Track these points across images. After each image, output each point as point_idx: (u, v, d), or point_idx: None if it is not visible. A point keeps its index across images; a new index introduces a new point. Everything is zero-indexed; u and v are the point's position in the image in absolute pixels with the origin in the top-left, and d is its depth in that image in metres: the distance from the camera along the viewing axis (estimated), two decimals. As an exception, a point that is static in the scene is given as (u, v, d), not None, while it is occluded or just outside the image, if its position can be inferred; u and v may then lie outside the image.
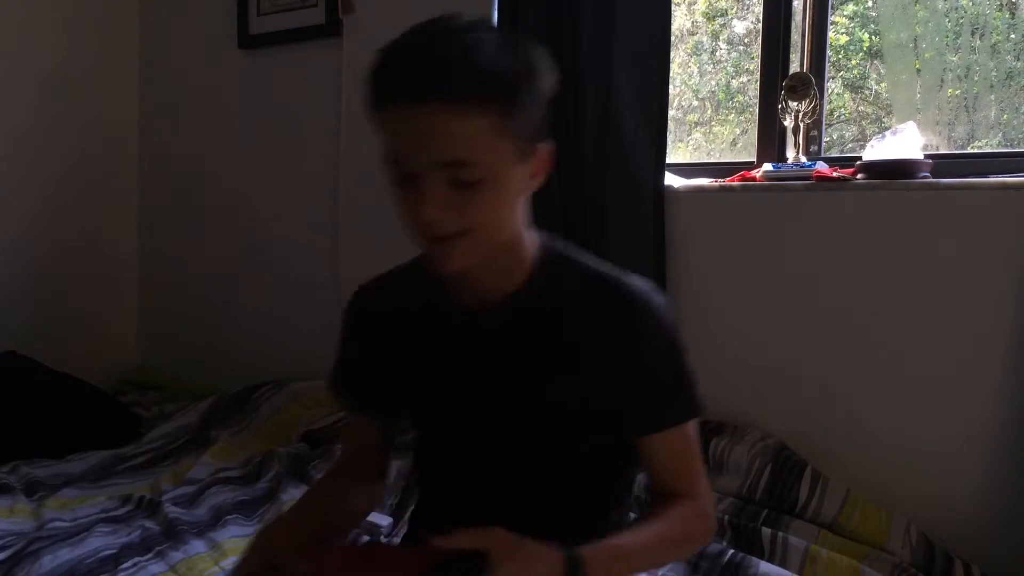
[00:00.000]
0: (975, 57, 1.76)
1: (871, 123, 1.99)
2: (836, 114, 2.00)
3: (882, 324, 1.61)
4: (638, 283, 0.92)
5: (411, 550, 0.83)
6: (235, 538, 1.43)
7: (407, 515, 1.18)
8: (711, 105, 2.15)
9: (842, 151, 1.95)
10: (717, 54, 2.17)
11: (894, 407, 1.60)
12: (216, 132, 2.62)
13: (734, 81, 2.13)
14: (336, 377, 1.14)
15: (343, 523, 1.05)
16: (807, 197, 1.68)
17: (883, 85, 1.97)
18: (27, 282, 2.50)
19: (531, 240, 0.94)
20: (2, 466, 1.76)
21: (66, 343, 2.51)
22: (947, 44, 1.80)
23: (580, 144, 1.82)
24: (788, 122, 1.78)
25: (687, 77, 2.19)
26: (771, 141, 1.87)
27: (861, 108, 2.03)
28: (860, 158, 1.68)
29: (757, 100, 1.91)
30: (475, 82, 0.78)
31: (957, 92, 1.78)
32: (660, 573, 1.28)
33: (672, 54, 1.82)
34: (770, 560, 1.35)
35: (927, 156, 1.63)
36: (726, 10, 2.14)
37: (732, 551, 1.31)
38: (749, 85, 2.06)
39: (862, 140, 1.94)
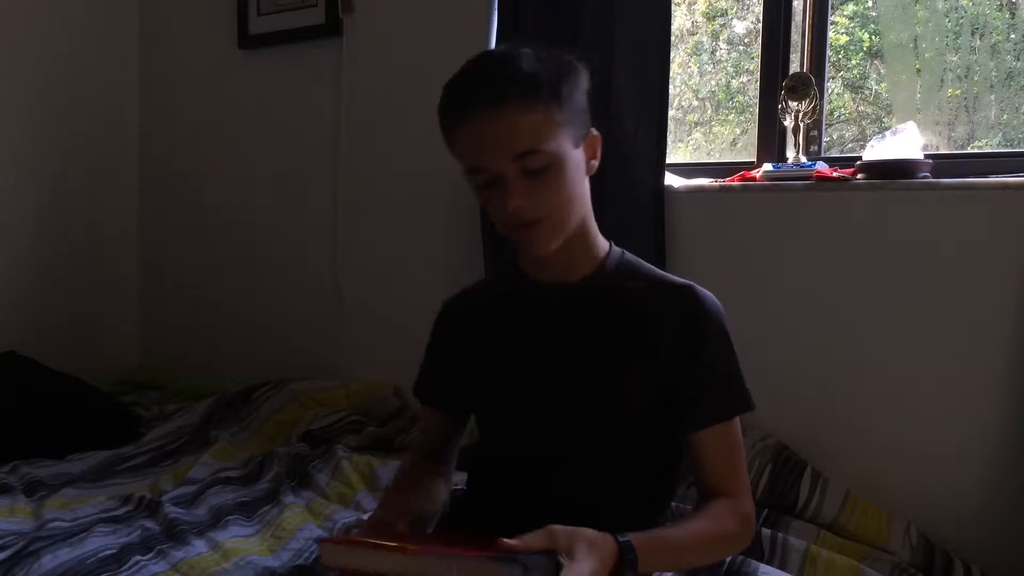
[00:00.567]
0: (975, 57, 1.76)
1: (871, 123, 1.99)
2: (836, 114, 2.00)
3: (882, 324, 1.61)
4: (701, 288, 1.06)
5: (488, 541, 0.87)
6: (236, 538, 1.43)
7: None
8: (711, 105, 2.15)
9: (842, 151, 1.95)
10: (717, 54, 2.17)
11: (894, 407, 1.60)
12: (216, 132, 2.62)
13: (734, 81, 2.13)
14: (420, 378, 1.23)
15: (429, 515, 1.10)
16: (807, 197, 1.68)
17: (883, 85, 1.97)
18: (27, 282, 2.50)
19: (600, 238, 1.08)
20: (2, 466, 1.76)
21: (66, 343, 2.51)
22: (947, 44, 1.80)
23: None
24: (788, 122, 1.78)
25: (687, 77, 2.19)
26: (771, 141, 1.87)
27: (861, 108, 2.03)
28: (860, 158, 1.68)
29: (757, 100, 1.91)
30: (524, 85, 0.95)
31: (957, 92, 1.78)
32: None
33: (672, 54, 1.82)
34: (770, 561, 1.35)
35: (927, 156, 1.63)
36: (726, 10, 2.14)
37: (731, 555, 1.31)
38: (749, 85, 2.06)
39: (862, 140, 1.94)
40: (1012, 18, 1.77)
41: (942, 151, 1.75)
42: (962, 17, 1.77)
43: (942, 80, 1.80)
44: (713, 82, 2.16)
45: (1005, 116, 1.75)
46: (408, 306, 2.21)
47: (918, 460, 1.58)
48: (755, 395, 1.72)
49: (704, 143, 2.17)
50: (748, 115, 2.04)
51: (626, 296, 1.04)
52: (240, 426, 2.05)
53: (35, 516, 1.50)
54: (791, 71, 1.82)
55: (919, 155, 1.61)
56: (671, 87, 1.82)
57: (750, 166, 1.86)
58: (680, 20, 2.13)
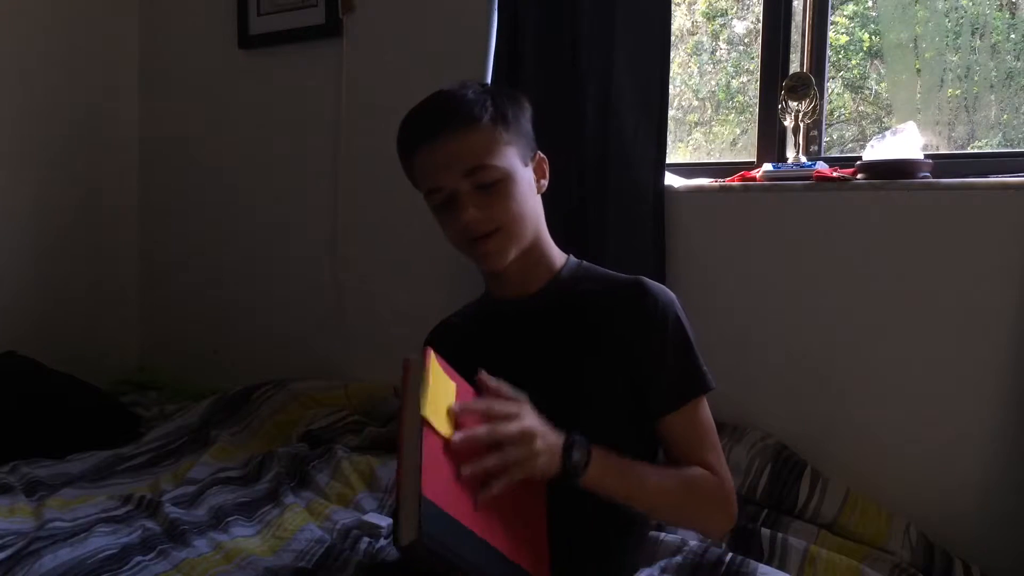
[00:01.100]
0: (975, 57, 1.76)
1: (871, 123, 1.99)
2: (836, 114, 2.00)
3: (882, 324, 1.61)
4: (650, 280, 1.10)
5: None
6: (238, 538, 1.43)
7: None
8: (711, 105, 2.15)
9: (842, 151, 1.95)
10: (717, 54, 2.17)
11: (894, 407, 1.60)
12: (216, 132, 2.62)
13: (734, 81, 2.13)
14: None
15: None
16: (807, 197, 1.68)
17: (883, 85, 1.97)
18: (27, 282, 2.50)
19: (556, 251, 1.15)
20: (2, 466, 1.76)
21: (66, 343, 2.51)
22: (947, 44, 1.80)
23: (580, 144, 1.82)
24: (788, 122, 1.78)
25: (687, 77, 2.19)
26: (771, 141, 1.87)
27: (861, 108, 2.03)
28: (860, 158, 1.68)
29: (757, 100, 1.91)
30: (470, 107, 1.05)
31: (957, 92, 1.78)
32: None
33: (672, 54, 1.82)
34: (769, 561, 1.35)
35: (927, 156, 1.63)
36: (726, 10, 2.14)
37: (731, 555, 1.31)
38: (749, 85, 2.06)
39: (862, 140, 1.94)
40: (1012, 18, 1.77)
41: (942, 151, 1.75)
42: (962, 17, 1.77)
43: (942, 80, 1.80)
44: (713, 82, 2.16)
45: (1005, 116, 1.75)
46: (408, 306, 2.22)
47: (918, 460, 1.58)
48: (755, 395, 1.73)
49: (704, 143, 2.17)
50: (748, 115, 2.04)
51: (580, 298, 1.10)
52: (240, 426, 2.05)
53: (35, 516, 1.51)
54: (791, 71, 1.82)
55: (919, 155, 1.61)
56: (671, 87, 1.82)
57: (750, 166, 1.86)
58: (680, 20, 2.13)
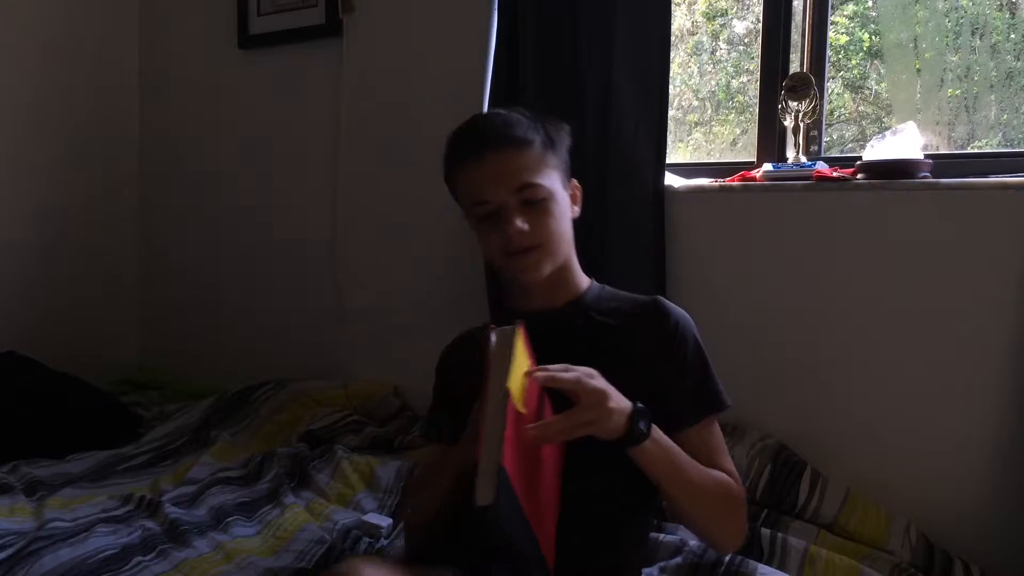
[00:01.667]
0: (975, 57, 1.76)
1: (871, 123, 1.99)
2: (836, 114, 2.00)
3: (882, 324, 1.61)
4: (667, 301, 1.18)
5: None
6: (238, 539, 1.43)
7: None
8: (711, 105, 2.15)
9: (842, 151, 1.95)
10: (717, 54, 2.17)
11: (894, 407, 1.60)
12: (216, 132, 2.62)
13: (734, 81, 2.13)
14: (427, 421, 1.35)
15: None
16: (807, 197, 1.68)
17: (883, 85, 1.97)
18: (27, 282, 2.50)
19: (582, 274, 1.22)
20: (2, 466, 1.76)
21: (66, 343, 2.51)
22: (947, 44, 1.80)
23: (580, 144, 1.81)
24: (788, 122, 1.78)
25: (687, 77, 2.19)
26: (771, 141, 1.87)
27: (861, 108, 2.03)
28: (860, 158, 1.68)
29: (757, 100, 1.91)
30: (523, 130, 1.14)
31: (957, 92, 1.78)
32: None
33: (672, 54, 1.82)
34: (769, 561, 1.35)
35: (927, 156, 1.63)
36: (726, 10, 2.14)
37: (730, 555, 1.31)
38: (749, 85, 2.06)
39: (862, 140, 1.94)
40: (1012, 18, 1.77)
41: (942, 151, 1.75)
42: (962, 17, 1.77)
43: (942, 80, 1.80)
44: (713, 82, 2.16)
45: (1005, 116, 1.75)
46: (408, 306, 2.22)
47: (918, 460, 1.58)
48: (755, 395, 1.73)
49: (704, 143, 2.17)
50: (748, 115, 2.04)
51: (603, 315, 1.16)
52: (240, 426, 2.05)
53: (35, 516, 1.51)
54: (791, 71, 1.82)
55: (919, 155, 1.61)
56: (671, 87, 1.82)
57: (750, 166, 1.86)
58: (680, 20, 2.13)
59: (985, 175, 1.56)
